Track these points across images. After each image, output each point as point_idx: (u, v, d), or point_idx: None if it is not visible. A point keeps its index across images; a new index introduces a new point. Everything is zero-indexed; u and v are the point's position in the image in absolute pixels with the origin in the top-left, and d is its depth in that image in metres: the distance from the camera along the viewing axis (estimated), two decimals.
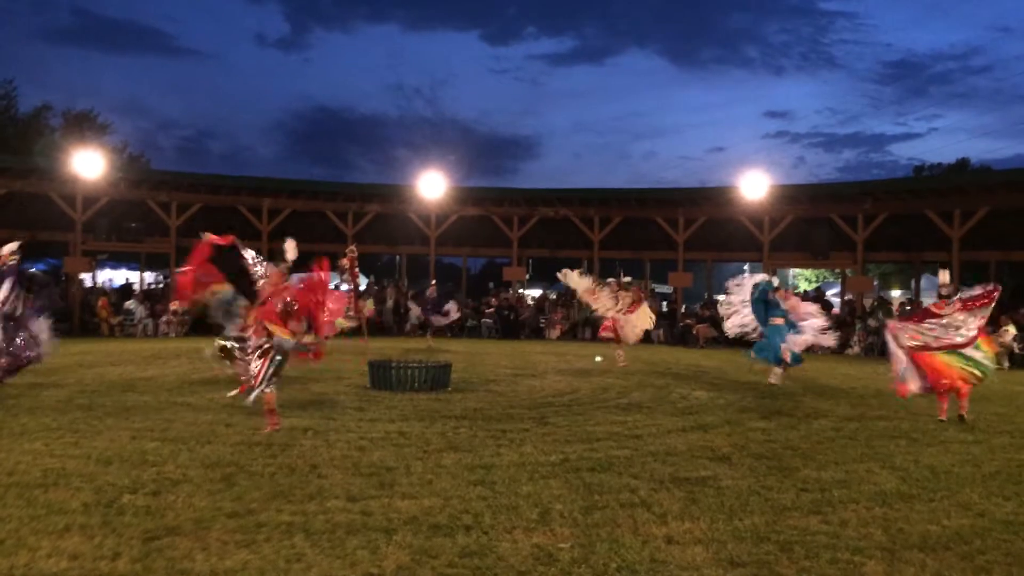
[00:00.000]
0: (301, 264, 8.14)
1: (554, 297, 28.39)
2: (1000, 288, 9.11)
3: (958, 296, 9.09)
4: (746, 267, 46.58)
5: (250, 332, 7.55)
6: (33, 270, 8.99)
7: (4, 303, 9.18)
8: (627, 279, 15.81)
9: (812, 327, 12.46)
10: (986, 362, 9.05)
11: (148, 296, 24.69)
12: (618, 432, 7.82)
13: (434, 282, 21.89)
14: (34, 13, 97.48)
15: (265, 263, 7.93)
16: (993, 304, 9.02)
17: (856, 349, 21.29)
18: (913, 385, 9.04)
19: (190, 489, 5.31)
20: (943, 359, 8.95)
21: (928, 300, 10.19)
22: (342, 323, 16.34)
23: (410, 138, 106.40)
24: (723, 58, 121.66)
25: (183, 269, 7.91)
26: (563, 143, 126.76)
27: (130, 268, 31.83)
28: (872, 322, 21.30)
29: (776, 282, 12.55)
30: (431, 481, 5.69)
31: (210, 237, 7.90)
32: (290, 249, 7.96)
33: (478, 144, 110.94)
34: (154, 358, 13.17)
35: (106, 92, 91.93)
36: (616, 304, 14.99)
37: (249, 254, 8.06)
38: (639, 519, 4.86)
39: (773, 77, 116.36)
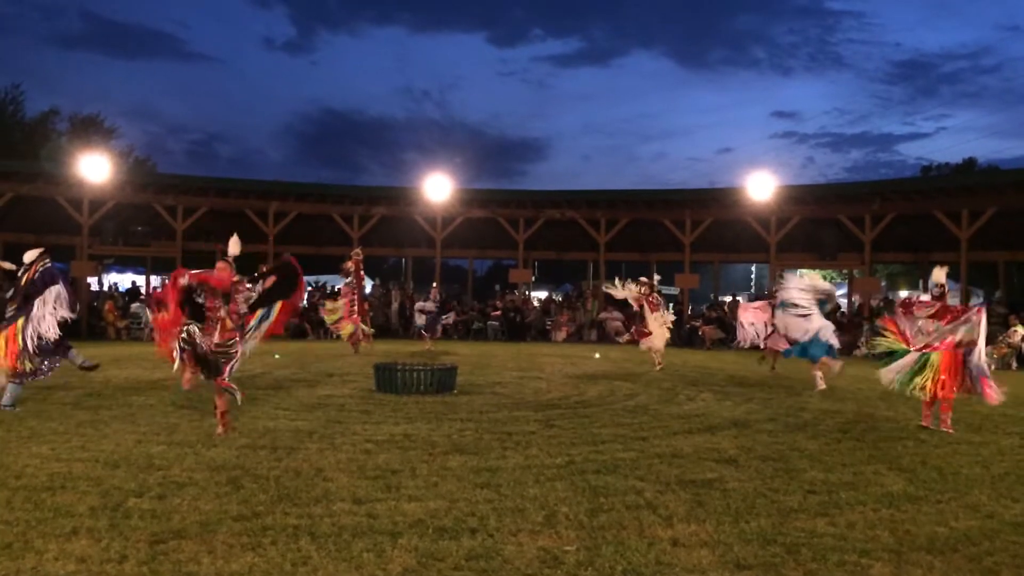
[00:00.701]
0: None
1: (560, 299, 28.39)
2: (984, 310, 8.47)
3: (942, 302, 8.55)
4: (753, 268, 46.54)
5: (217, 334, 7.49)
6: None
7: (56, 305, 8.84)
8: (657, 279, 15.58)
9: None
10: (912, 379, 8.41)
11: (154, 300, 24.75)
12: (624, 434, 7.80)
13: (435, 285, 21.90)
14: (43, 18, 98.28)
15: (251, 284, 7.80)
16: (970, 323, 8.25)
17: (863, 350, 21.21)
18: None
19: (196, 492, 5.31)
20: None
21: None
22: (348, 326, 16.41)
23: (419, 140, 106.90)
24: (730, 59, 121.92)
25: (162, 315, 7.61)
26: (572, 145, 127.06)
27: (136, 272, 31.92)
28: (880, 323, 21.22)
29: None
30: (437, 484, 5.69)
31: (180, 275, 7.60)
32: (233, 244, 7.97)
33: (487, 146, 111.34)
34: (160, 361, 13.12)
35: (115, 96, 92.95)
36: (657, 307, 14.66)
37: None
38: (645, 521, 4.85)
39: (781, 78, 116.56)
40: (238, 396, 7.55)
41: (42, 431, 7.38)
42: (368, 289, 17.35)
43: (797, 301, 11.79)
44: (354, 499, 5.22)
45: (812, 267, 35.08)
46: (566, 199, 26.79)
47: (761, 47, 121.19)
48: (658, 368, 14.27)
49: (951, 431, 8.21)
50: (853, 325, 21.78)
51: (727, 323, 22.33)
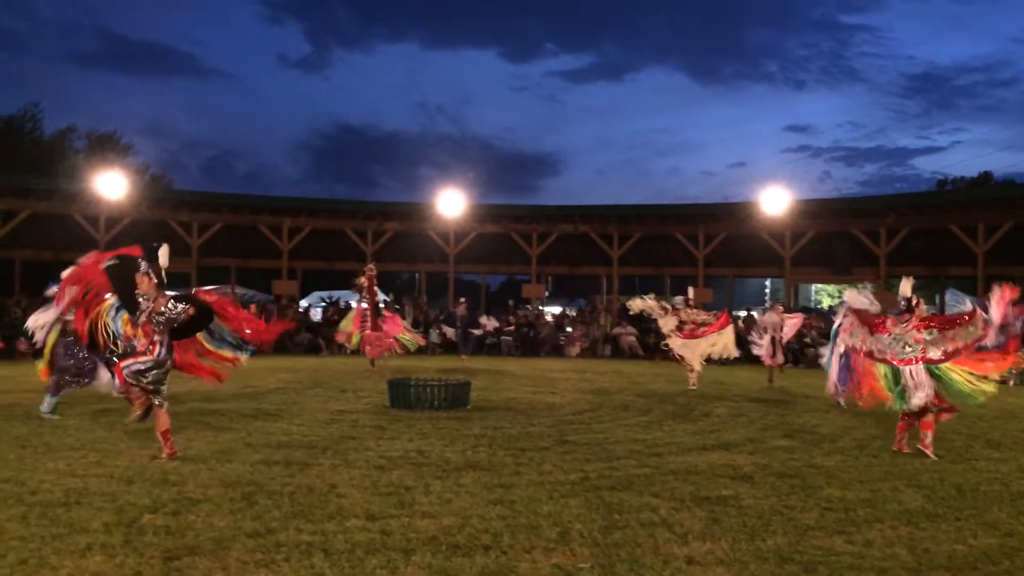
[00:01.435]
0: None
1: (573, 314, 28.33)
2: (975, 312, 7.83)
3: (918, 313, 8.02)
4: (767, 283, 46.36)
5: (140, 345, 7.09)
6: None
7: None
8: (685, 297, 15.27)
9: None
10: (964, 388, 7.66)
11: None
12: (639, 450, 7.76)
13: (463, 300, 21.90)
14: (60, 37, 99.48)
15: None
16: (968, 327, 7.72)
17: None
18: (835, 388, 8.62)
19: (210, 508, 5.32)
20: (876, 370, 7.98)
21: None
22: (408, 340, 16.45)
23: (433, 156, 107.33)
24: (744, 73, 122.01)
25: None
26: (586, 160, 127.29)
27: None
28: None
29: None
30: (450, 500, 5.67)
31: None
32: (163, 255, 7.34)
33: (501, 161, 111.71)
34: (174, 377, 13.16)
35: (132, 114, 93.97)
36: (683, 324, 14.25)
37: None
38: (660, 539, 4.82)
39: (794, 91, 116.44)
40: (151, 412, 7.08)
41: (58, 447, 7.41)
42: (381, 303, 17.27)
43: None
44: (367, 515, 5.21)
45: (827, 282, 34.94)
46: (579, 214, 26.80)
47: (774, 61, 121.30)
48: (692, 386, 13.80)
49: (932, 455, 7.59)
50: None
51: (742, 338, 22.20)
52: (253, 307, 28.81)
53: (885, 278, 24.00)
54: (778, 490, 6.17)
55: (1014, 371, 17.42)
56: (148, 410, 7.13)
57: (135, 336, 7.17)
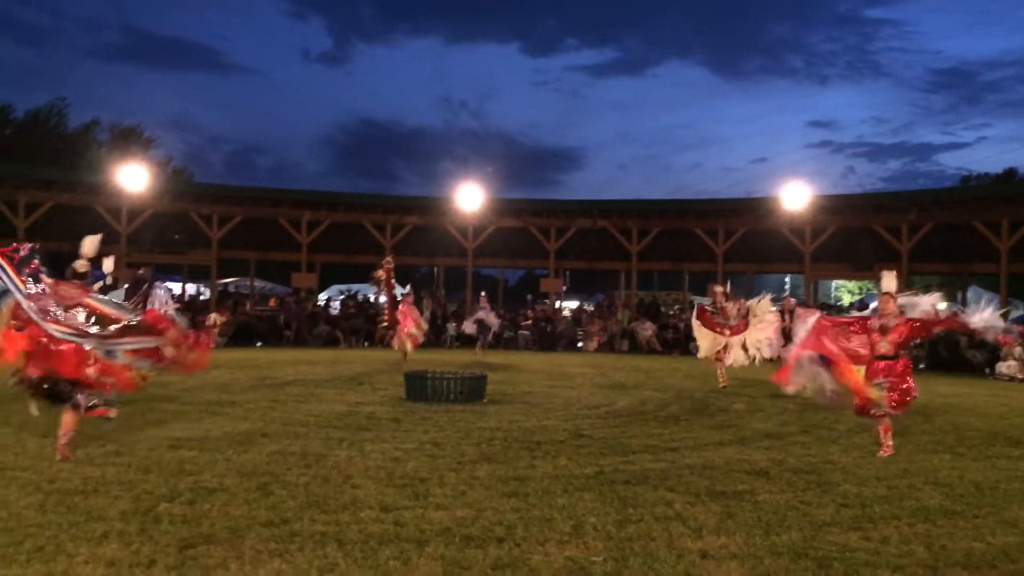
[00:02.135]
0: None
1: (591, 309, 28.28)
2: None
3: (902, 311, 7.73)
4: (787, 278, 46.06)
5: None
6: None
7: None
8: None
9: None
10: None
11: (190, 307, 25.08)
12: (654, 445, 7.74)
13: (484, 293, 21.90)
14: (85, 32, 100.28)
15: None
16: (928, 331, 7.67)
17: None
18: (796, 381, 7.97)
19: (226, 498, 5.35)
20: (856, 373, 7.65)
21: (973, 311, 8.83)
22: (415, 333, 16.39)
23: (456, 150, 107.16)
24: (767, 68, 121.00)
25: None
26: (607, 155, 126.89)
27: (173, 279, 32.40)
28: None
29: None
30: (464, 492, 5.67)
31: None
32: (87, 244, 7.15)
33: (523, 156, 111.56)
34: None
35: (156, 108, 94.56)
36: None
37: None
38: (674, 533, 4.80)
39: (818, 86, 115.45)
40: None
41: (77, 436, 7.46)
42: (399, 296, 17.22)
43: None
44: (382, 507, 5.23)
45: (848, 278, 34.66)
46: (598, 208, 26.72)
47: (798, 56, 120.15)
48: (721, 385, 13.19)
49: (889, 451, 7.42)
50: None
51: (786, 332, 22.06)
52: (272, 300, 29.04)
53: (907, 274, 23.78)
54: (794, 486, 6.13)
55: None
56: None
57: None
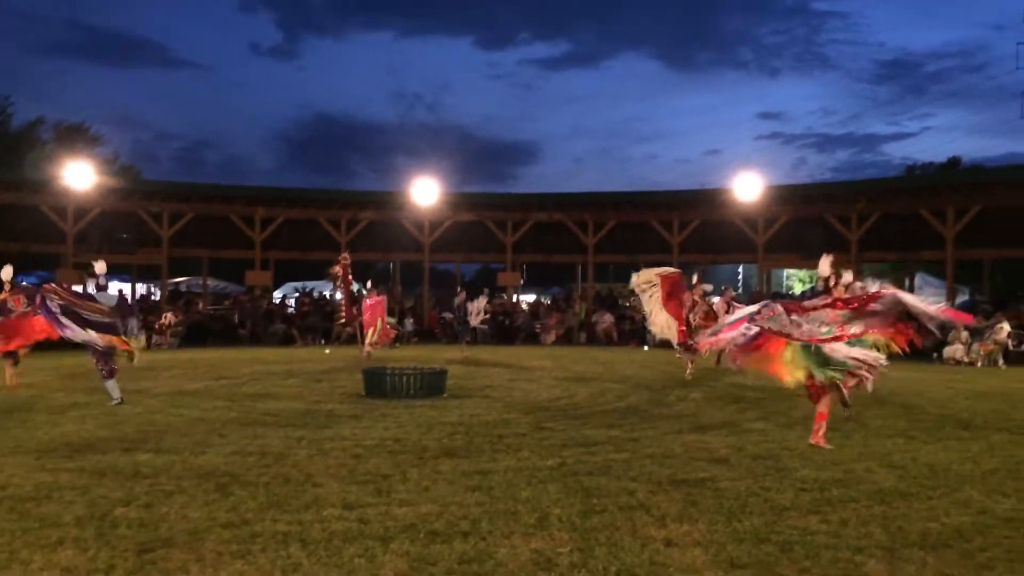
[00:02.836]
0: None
1: (549, 302, 28.36)
2: (881, 293, 7.38)
3: (836, 294, 7.63)
4: (740, 269, 46.68)
5: None
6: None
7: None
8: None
9: None
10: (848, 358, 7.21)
11: (141, 308, 24.61)
12: (616, 436, 7.78)
13: (460, 288, 21.79)
14: (28, 27, 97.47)
15: None
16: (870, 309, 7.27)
17: None
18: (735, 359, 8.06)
19: (184, 500, 5.26)
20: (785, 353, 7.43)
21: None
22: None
23: (412, 145, 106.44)
24: (718, 60, 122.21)
25: None
26: (563, 148, 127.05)
27: (122, 280, 31.73)
28: None
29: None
30: (428, 488, 5.65)
31: None
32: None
33: (479, 149, 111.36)
34: (147, 370, 13.08)
35: (102, 104, 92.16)
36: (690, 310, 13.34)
37: None
38: (638, 522, 4.83)
39: (768, 78, 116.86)
40: None
41: (28, 441, 7.30)
42: (364, 293, 17.03)
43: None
44: (344, 504, 5.18)
45: (800, 267, 35.23)
46: (554, 201, 26.79)
47: (748, 48, 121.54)
48: (688, 375, 13.23)
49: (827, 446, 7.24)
50: None
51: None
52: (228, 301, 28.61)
53: (857, 263, 24.24)
54: (753, 472, 6.21)
55: (982, 353, 17.74)
56: None
57: None
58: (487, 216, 26.54)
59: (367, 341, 15.63)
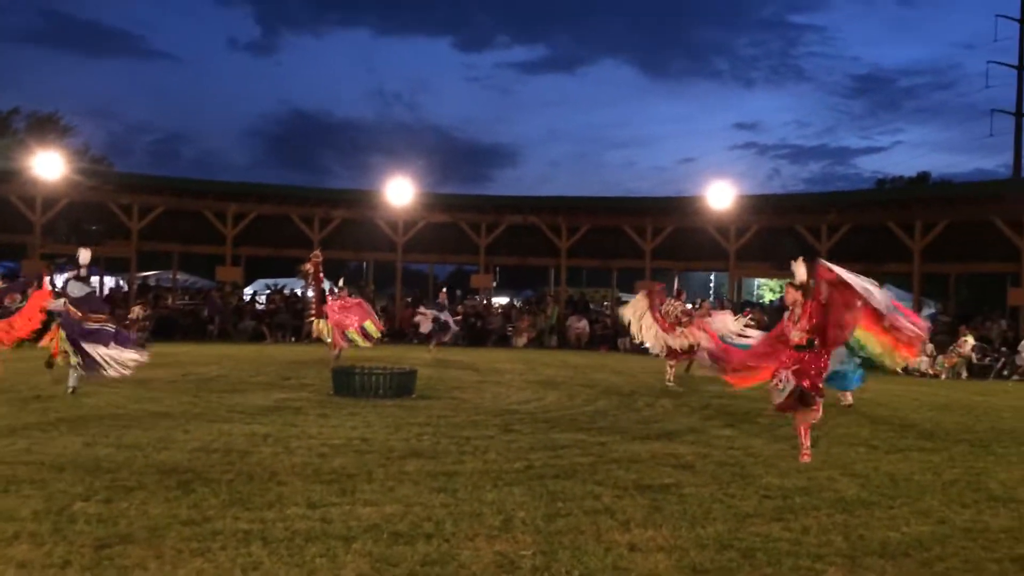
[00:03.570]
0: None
1: (521, 305, 28.36)
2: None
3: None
4: (712, 276, 47.01)
5: None
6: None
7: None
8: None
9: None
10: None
11: (108, 300, 24.27)
12: (583, 440, 7.79)
13: (444, 289, 21.67)
14: (2, 16, 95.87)
15: None
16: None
17: None
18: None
19: (144, 496, 5.19)
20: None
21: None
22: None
23: (389, 144, 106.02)
24: (694, 70, 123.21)
25: None
26: (540, 152, 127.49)
27: (90, 272, 31.31)
28: None
29: None
30: (393, 488, 5.62)
31: None
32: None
33: (457, 151, 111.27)
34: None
35: (76, 95, 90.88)
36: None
37: None
38: (602, 526, 4.83)
39: (743, 89, 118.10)
40: None
41: None
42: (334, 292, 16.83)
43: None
44: (308, 503, 5.13)
45: (770, 276, 35.52)
46: (528, 204, 26.79)
47: (724, 58, 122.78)
48: (669, 382, 13.12)
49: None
50: None
51: None
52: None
53: None
54: (718, 478, 6.25)
55: (947, 366, 18.00)
56: None
57: None
58: (461, 217, 26.48)
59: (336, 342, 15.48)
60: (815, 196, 27.85)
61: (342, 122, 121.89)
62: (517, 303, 29.96)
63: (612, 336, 24.04)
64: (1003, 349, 18.91)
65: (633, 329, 13.77)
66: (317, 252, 16.28)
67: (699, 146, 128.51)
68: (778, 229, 24.54)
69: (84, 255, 10.44)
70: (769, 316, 20.65)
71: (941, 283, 27.27)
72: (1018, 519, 5.34)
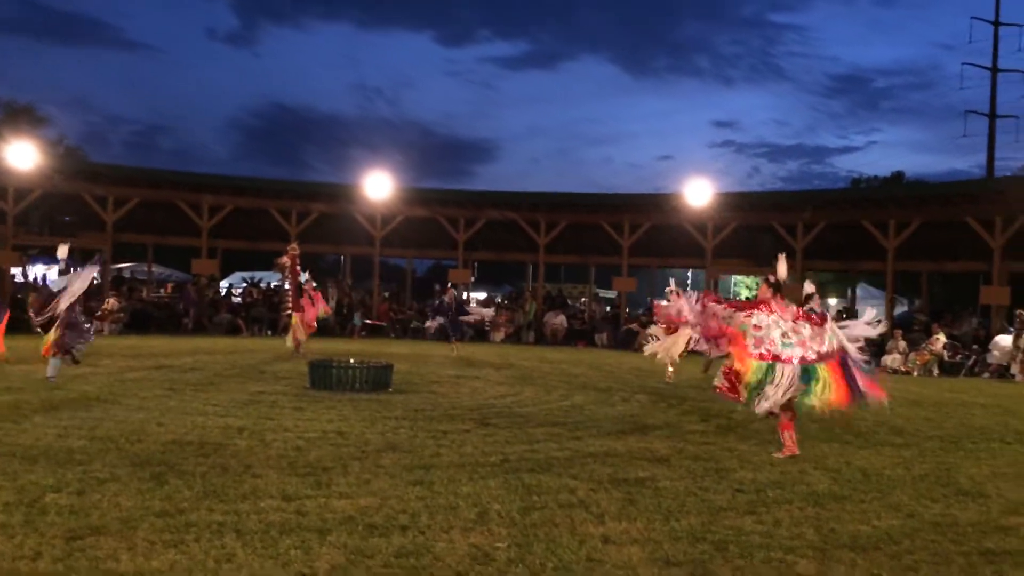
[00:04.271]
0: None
1: (499, 300, 28.37)
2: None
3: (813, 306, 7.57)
4: (689, 273, 47.29)
5: None
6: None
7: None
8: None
9: None
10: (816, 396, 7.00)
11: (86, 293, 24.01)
12: (559, 434, 7.82)
13: (451, 285, 21.53)
14: None
15: None
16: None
17: None
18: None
19: (117, 488, 5.15)
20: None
21: (864, 308, 9.09)
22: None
23: (371, 138, 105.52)
24: (674, 67, 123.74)
25: None
26: (520, 147, 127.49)
27: (68, 265, 30.92)
28: None
29: None
30: (368, 481, 5.61)
31: None
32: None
33: (438, 146, 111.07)
34: (87, 355, 12.76)
35: (52, 85, 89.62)
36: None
37: None
38: (577, 519, 4.86)
39: (722, 87, 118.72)
40: None
41: None
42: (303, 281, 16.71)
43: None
44: (283, 496, 5.12)
45: (747, 273, 35.77)
46: (507, 200, 26.80)
47: (704, 56, 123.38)
48: (669, 379, 13.02)
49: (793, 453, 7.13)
50: None
51: None
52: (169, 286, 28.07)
53: (801, 271, 24.69)
54: (693, 472, 6.29)
55: (919, 363, 18.23)
56: None
57: None
58: (440, 212, 26.45)
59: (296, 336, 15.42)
60: (791, 194, 28.10)
61: (324, 116, 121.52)
62: (499, 299, 29.93)
63: (589, 332, 24.15)
64: (975, 347, 19.18)
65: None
66: (294, 245, 16.23)
67: (678, 143, 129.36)
68: (755, 227, 24.72)
69: (62, 250, 10.93)
70: None
71: (914, 281, 27.61)
72: (986, 513, 5.42)
